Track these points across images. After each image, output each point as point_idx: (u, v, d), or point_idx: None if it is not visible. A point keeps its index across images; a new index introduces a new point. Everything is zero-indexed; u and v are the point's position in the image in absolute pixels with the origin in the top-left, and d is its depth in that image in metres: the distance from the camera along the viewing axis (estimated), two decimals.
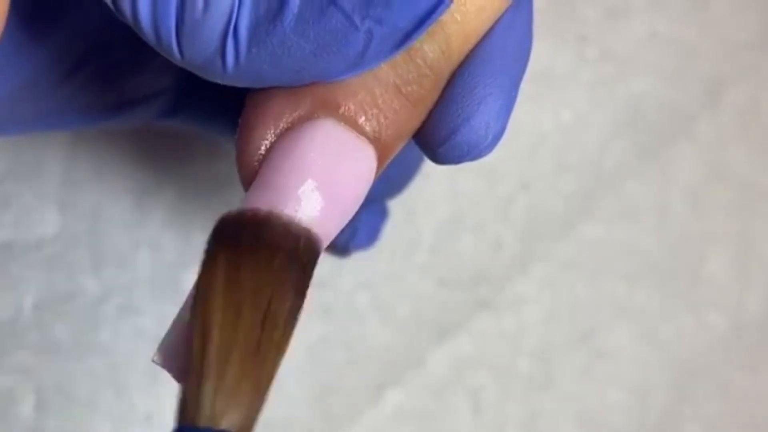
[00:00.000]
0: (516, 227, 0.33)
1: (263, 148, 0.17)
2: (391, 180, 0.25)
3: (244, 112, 0.17)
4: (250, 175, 0.17)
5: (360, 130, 0.17)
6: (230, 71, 0.16)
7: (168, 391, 0.29)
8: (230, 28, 0.16)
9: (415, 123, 0.18)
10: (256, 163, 0.17)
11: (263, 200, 0.16)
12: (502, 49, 0.18)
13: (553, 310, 0.33)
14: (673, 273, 0.35)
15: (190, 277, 0.29)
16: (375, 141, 0.17)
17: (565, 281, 0.34)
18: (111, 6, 0.16)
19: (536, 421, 0.33)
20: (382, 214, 0.25)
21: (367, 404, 0.31)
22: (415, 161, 0.26)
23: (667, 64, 0.35)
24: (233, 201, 0.30)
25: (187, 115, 0.24)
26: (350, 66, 0.16)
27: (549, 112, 0.33)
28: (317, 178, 0.17)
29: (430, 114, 0.18)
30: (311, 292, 0.31)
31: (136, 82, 0.22)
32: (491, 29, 0.18)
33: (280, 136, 0.17)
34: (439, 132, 0.18)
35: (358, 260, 0.31)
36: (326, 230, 0.17)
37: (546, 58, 0.33)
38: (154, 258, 0.29)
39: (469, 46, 0.18)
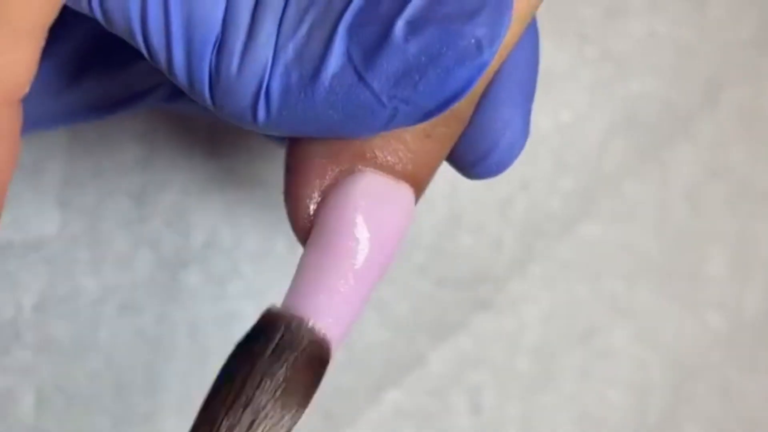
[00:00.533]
0: (516, 227, 0.33)
1: (312, 207, 0.18)
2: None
3: (286, 169, 0.19)
4: (304, 234, 0.19)
5: (397, 175, 0.18)
6: (260, 126, 0.17)
7: (168, 391, 0.29)
8: (262, 90, 0.17)
9: (444, 154, 0.19)
10: (308, 223, 0.18)
11: (320, 261, 0.18)
12: (517, 67, 0.20)
13: (552, 309, 0.33)
14: (673, 273, 0.35)
15: (190, 277, 0.29)
16: (411, 179, 0.19)
17: (564, 281, 0.34)
18: (145, 54, 0.17)
19: (536, 421, 0.33)
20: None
21: (367, 404, 0.31)
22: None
23: (666, 64, 0.35)
24: (234, 201, 0.30)
25: (190, 99, 0.24)
26: (374, 132, 0.17)
27: (548, 111, 0.33)
28: (368, 229, 0.18)
29: (460, 137, 0.19)
30: None
31: (143, 75, 0.22)
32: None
33: (326, 193, 0.18)
34: (469, 157, 0.20)
35: None
36: (379, 271, 0.18)
37: (545, 57, 0.33)
38: (154, 258, 0.29)
39: (492, 73, 0.19)
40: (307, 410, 0.31)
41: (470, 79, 0.17)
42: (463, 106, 0.18)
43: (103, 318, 0.28)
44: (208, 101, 0.17)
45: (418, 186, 0.19)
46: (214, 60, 0.17)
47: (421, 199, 0.33)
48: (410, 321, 0.32)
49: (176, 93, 0.24)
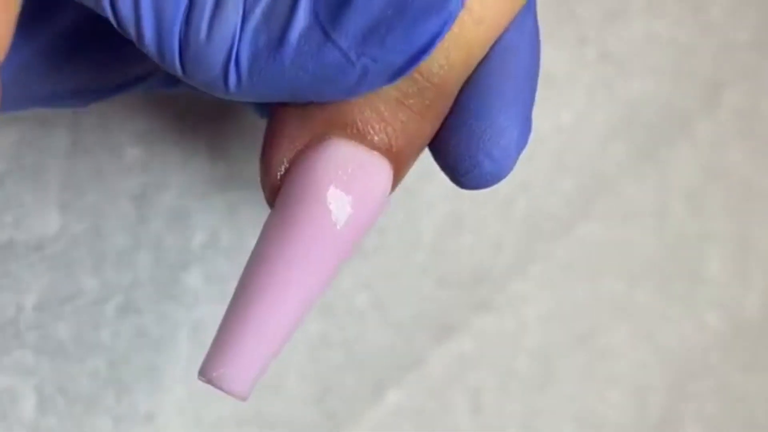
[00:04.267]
0: (516, 227, 0.33)
1: (282, 169, 0.18)
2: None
3: (265, 136, 0.19)
4: (272, 198, 0.18)
5: (370, 145, 0.18)
6: (232, 93, 0.17)
7: (168, 391, 0.29)
8: (232, 56, 0.17)
9: (426, 131, 0.19)
10: (276, 185, 0.18)
11: (284, 226, 0.18)
12: (516, 74, 0.19)
13: (552, 310, 0.33)
14: (673, 273, 0.35)
15: (190, 277, 0.29)
16: (387, 152, 0.18)
17: (564, 281, 0.34)
18: (114, 24, 0.17)
19: (536, 421, 0.33)
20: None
21: (367, 404, 0.31)
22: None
23: (666, 65, 0.35)
24: (234, 201, 0.30)
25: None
26: (345, 93, 0.17)
27: (548, 112, 0.33)
28: (334, 197, 0.18)
29: (453, 144, 0.19)
30: None
31: (137, 62, 0.22)
32: (498, 51, 0.19)
33: (296, 158, 0.18)
34: (462, 164, 0.19)
35: (358, 260, 0.31)
36: (345, 247, 0.18)
37: (545, 59, 0.33)
38: (155, 258, 0.29)
39: (474, 57, 0.18)
40: (307, 410, 0.31)
41: (437, 31, 0.16)
42: (445, 76, 0.18)
43: (103, 318, 0.28)
44: (179, 70, 0.17)
45: (397, 161, 0.18)
46: (183, 28, 0.17)
47: (421, 199, 0.33)
48: (410, 321, 0.32)
49: (171, 80, 0.24)
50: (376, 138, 0.18)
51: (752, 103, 0.36)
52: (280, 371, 0.30)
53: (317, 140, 0.18)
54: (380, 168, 0.18)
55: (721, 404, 0.35)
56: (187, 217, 0.29)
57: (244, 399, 0.18)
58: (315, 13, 0.16)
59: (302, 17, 0.16)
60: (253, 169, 0.30)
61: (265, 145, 0.19)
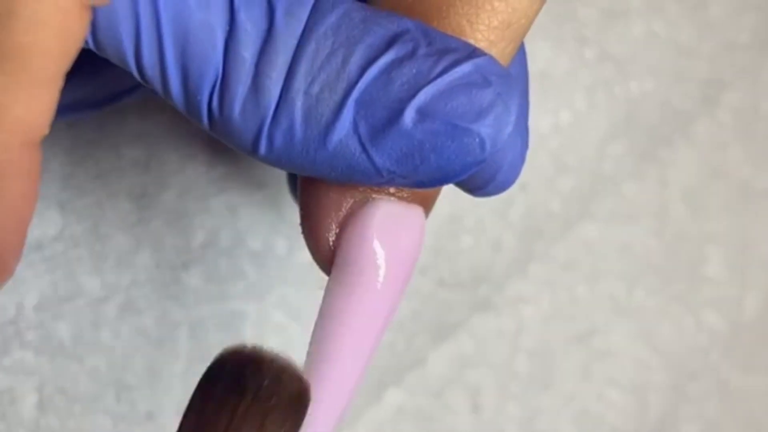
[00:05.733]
0: (515, 227, 0.33)
1: (332, 240, 0.19)
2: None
3: (301, 205, 0.19)
4: (327, 265, 0.19)
5: (408, 198, 0.19)
6: (259, 158, 0.18)
7: (169, 391, 0.29)
8: (263, 133, 0.17)
9: None
10: (329, 255, 0.19)
11: (349, 302, 0.19)
12: None
13: (552, 309, 0.33)
14: (672, 273, 0.35)
15: (190, 277, 0.29)
16: (420, 199, 0.19)
17: (564, 281, 0.34)
18: (139, 79, 0.17)
19: (536, 421, 0.33)
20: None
21: (367, 404, 0.31)
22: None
23: (665, 65, 0.35)
24: (234, 202, 0.30)
25: None
26: (367, 185, 0.18)
27: (548, 112, 0.33)
28: (388, 257, 0.19)
29: None
30: (312, 294, 0.30)
31: (127, 76, 0.22)
32: None
33: (344, 225, 0.19)
34: (475, 181, 0.21)
35: None
36: (400, 294, 0.19)
37: (545, 59, 0.33)
38: (154, 258, 0.29)
39: None
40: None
41: (468, 170, 0.17)
42: None
43: (104, 318, 0.28)
44: (206, 128, 0.18)
45: (428, 205, 0.20)
46: (216, 99, 0.17)
47: None
48: (410, 321, 0.32)
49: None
50: (410, 192, 0.19)
51: (752, 103, 0.36)
52: None
53: (361, 204, 0.19)
54: (417, 215, 0.19)
55: (721, 404, 0.35)
56: (187, 218, 0.29)
57: None
58: (355, 126, 0.17)
59: (343, 125, 0.17)
60: (253, 170, 0.30)
61: (307, 218, 0.19)
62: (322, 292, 0.32)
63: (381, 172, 0.17)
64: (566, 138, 0.34)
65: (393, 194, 0.19)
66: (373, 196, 0.19)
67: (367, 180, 0.18)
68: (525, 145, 0.21)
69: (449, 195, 0.33)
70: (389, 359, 0.32)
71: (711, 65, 0.36)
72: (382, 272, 0.19)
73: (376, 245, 0.19)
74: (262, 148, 0.17)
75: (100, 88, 0.22)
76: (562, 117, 0.34)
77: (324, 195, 0.19)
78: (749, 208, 0.36)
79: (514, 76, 0.21)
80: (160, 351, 0.29)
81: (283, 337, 0.30)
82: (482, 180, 0.21)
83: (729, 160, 0.36)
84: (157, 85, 0.17)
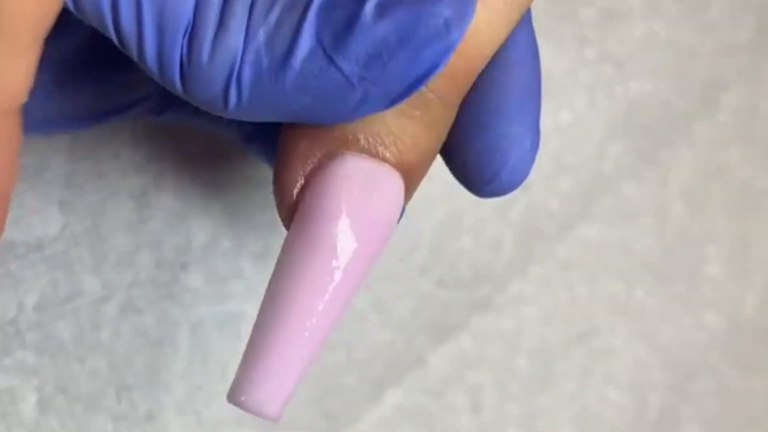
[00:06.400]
0: (515, 227, 0.33)
1: (296, 190, 0.18)
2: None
3: (276, 156, 0.19)
4: (288, 218, 0.19)
5: (382, 158, 0.18)
6: (231, 112, 0.17)
7: (169, 391, 0.29)
8: (233, 76, 0.17)
9: (433, 144, 0.19)
10: (292, 207, 0.18)
11: (306, 254, 0.18)
12: (522, 81, 0.20)
13: (552, 309, 0.33)
14: (672, 273, 0.35)
15: (191, 278, 0.29)
16: (398, 165, 0.18)
17: (564, 281, 0.34)
18: (115, 40, 0.17)
19: (536, 421, 0.33)
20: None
21: (367, 404, 0.31)
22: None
23: (665, 65, 0.35)
24: (233, 201, 0.30)
25: (175, 112, 0.24)
26: (345, 117, 0.18)
27: (548, 113, 0.34)
28: (350, 215, 0.18)
29: (469, 158, 0.20)
30: None
31: (128, 87, 0.22)
32: (501, 64, 0.20)
33: (310, 177, 0.18)
34: (481, 177, 0.20)
35: None
36: (368, 263, 0.18)
37: (545, 59, 0.33)
38: (155, 258, 0.29)
39: (475, 67, 0.19)
40: (308, 410, 0.31)
41: (438, 59, 0.17)
42: (449, 88, 0.18)
43: (104, 318, 0.28)
44: (179, 88, 0.17)
45: (407, 173, 0.19)
46: (185, 47, 0.17)
47: (421, 199, 0.33)
48: (410, 321, 0.32)
49: (163, 105, 0.24)
50: (387, 153, 0.18)
51: (751, 104, 0.36)
52: None
53: (330, 157, 0.18)
54: (392, 179, 0.18)
55: (721, 404, 0.35)
56: (187, 218, 0.29)
57: (275, 419, 0.19)
58: (318, 38, 0.17)
59: (306, 41, 0.17)
60: (253, 170, 0.30)
61: (277, 166, 0.19)
62: None
63: (351, 81, 0.17)
64: (566, 138, 0.34)
65: (366, 150, 0.18)
66: (347, 149, 0.18)
67: (341, 99, 0.17)
68: (534, 146, 0.20)
69: (449, 195, 0.33)
70: (389, 359, 0.32)
71: (711, 65, 0.36)
72: (342, 226, 0.18)
73: (340, 198, 0.18)
74: (233, 94, 0.17)
75: (97, 101, 0.22)
76: (563, 117, 0.34)
77: (293, 147, 0.18)
78: (749, 207, 0.36)
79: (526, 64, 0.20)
80: (160, 351, 0.29)
81: None
82: (486, 174, 0.20)
83: (729, 160, 0.36)
84: (133, 45, 0.17)
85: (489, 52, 0.18)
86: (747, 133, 0.36)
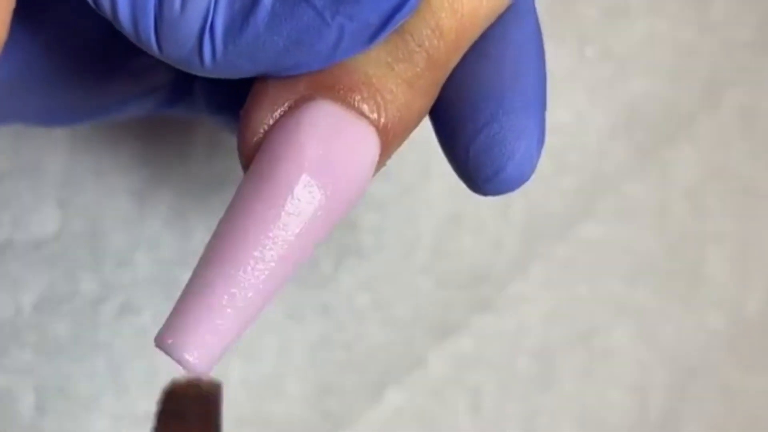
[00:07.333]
0: (516, 227, 0.33)
1: (261, 131, 0.17)
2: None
3: (247, 100, 0.18)
4: (248, 159, 0.17)
5: (357, 110, 0.17)
6: (208, 66, 0.17)
7: None
8: (207, 26, 0.16)
9: (416, 105, 0.18)
10: (254, 148, 0.17)
11: (258, 194, 0.17)
12: (528, 72, 0.19)
13: (553, 309, 0.33)
14: (673, 273, 0.35)
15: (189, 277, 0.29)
16: (375, 122, 0.17)
17: (564, 281, 0.34)
18: (91, 3, 0.17)
19: (536, 421, 0.33)
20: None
21: (367, 404, 0.31)
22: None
23: (666, 64, 0.35)
24: None
25: (187, 105, 0.24)
26: (324, 59, 0.17)
27: (549, 112, 0.33)
28: (314, 165, 0.17)
29: (472, 150, 0.19)
30: (311, 293, 0.30)
31: (133, 80, 0.22)
32: (505, 53, 0.19)
33: (278, 120, 0.17)
34: (484, 170, 0.19)
35: (358, 260, 0.31)
36: (328, 220, 0.17)
37: (545, 57, 0.33)
38: (154, 258, 0.29)
39: (467, 29, 0.18)
40: (307, 410, 0.31)
41: None
42: (436, 43, 0.17)
43: (102, 318, 0.28)
44: (154, 47, 0.17)
45: (384, 130, 0.18)
46: (157, 3, 0.16)
47: (421, 199, 0.33)
48: (410, 321, 0.32)
49: (173, 98, 0.23)
50: (365, 106, 0.17)
51: (753, 103, 0.36)
52: (280, 371, 0.30)
53: (301, 101, 0.17)
54: (367, 135, 0.17)
55: (721, 404, 0.35)
56: (186, 217, 0.29)
57: (197, 372, 0.17)
58: None
59: None
60: None
61: (245, 110, 0.18)
62: (321, 294, 0.32)
63: (324, 16, 0.16)
64: (567, 137, 0.34)
65: (342, 99, 0.17)
66: (321, 96, 0.17)
67: (317, 38, 0.16)
68: (541, 139, 0.19)
69: (449, 195, 0.33)
70: (389, 359, 0.31)
71: (712, 64, 0.35)
72: (301, 173, 0.17)
73: (305, 144, 0.17)
74: (206, 43, 0.16)
75: (91, 94, 0.22)
76: (563, 116, 0.34)
77: (264, 91, 0.17)
78: (751, 207, 0.36)
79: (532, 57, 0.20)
80: (159, 351, 0.29)
81: (282, 336, 0.30)
82: (491, 168, 0.19)
83: (731, 159, 0.36)
84: (107, 3, 0.16)
85: (482, 19, 0.18)
86: (749, 132, 0.36)
